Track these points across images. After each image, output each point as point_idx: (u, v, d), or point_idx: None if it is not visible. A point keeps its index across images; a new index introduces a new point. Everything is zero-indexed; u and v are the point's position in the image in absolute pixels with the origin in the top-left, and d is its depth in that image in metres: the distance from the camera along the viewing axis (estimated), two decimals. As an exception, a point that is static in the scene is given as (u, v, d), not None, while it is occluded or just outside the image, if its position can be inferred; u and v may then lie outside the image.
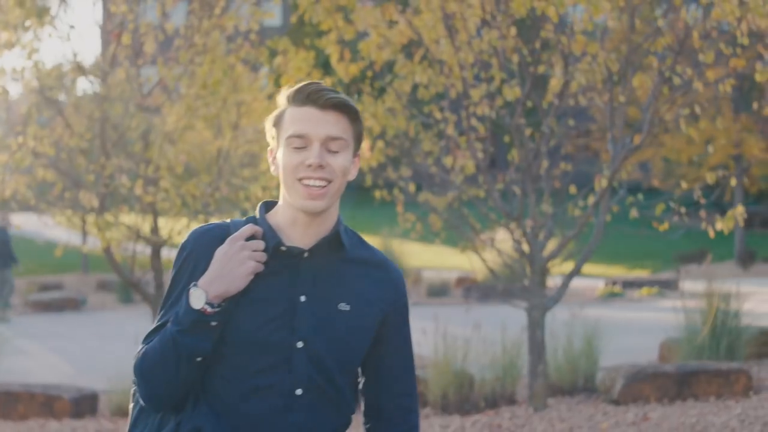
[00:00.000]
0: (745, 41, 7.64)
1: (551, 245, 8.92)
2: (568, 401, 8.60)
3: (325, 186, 2.34)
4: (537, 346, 8.12)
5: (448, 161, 8.16)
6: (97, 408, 8.58)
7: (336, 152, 2.36)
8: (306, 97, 2.36)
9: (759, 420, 7.48)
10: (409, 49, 8.61)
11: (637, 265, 23.36)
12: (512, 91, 7.86)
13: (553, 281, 20.27)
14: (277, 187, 7.32)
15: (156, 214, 7.15)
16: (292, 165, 2.35)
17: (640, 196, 8.25)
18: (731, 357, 9.20)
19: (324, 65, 16.15)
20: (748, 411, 7.77)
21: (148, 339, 2.40)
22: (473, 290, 18.89)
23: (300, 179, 2.34)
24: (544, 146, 7.90)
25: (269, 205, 2.49)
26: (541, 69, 7.73)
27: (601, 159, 15.54)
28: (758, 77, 7.89)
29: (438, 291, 19.45)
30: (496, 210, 8.23)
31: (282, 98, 2.41)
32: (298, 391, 2.37)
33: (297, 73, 7.98)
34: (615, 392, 8.37)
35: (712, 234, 8.24)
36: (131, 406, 2.50)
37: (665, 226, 8.27)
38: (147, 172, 6.62)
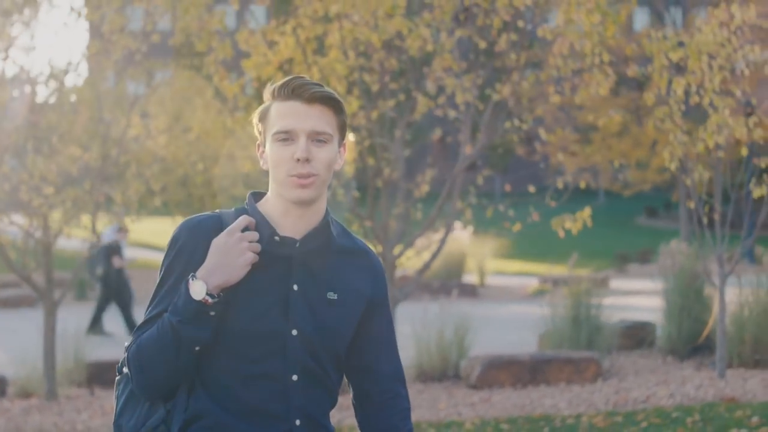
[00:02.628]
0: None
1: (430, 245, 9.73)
2: (436, 386, 9.45)
3: (311, 177, 2.41)
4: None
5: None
6: (6, 392, 9.45)
7: (322, 144, 2.43)
8: (291, 91, 2.42)
9: (584, 402, 8.35)
10: (289, 65, 9.44)
11: (583, 264, 24.19)
12: (384, 104, 8.73)
13: (493, 279, 21.12)
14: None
15: (45, 215, 8.03)
16: (282, 159, 2.41)
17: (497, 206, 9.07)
18: (591, 347, 10.05)
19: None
20: (581, 395, 8.63)
21: (140, 330, 2.45)
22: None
23: (289, 174, 2.41)
24: (400, 153, 8.74)
25: (257, 196, 2.55)
26: (394, 86, 8.56)
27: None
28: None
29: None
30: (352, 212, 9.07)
31: (267, 93, 2.48)
32: (294, 377, 2.44)
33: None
34: (473, 378, 9.22)
35: (561, 234, 9.11)
36: (116, 394, 2.55)
37: (518, 226, 9.12)
38: (33, 180, 7.51)
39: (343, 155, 2.54)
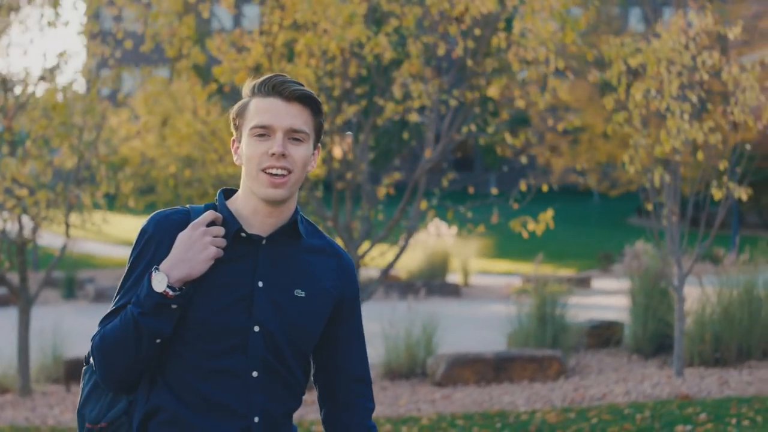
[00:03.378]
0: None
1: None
2: (402, 384, 9.68)
3: (286, 175, 2.42)
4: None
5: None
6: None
7: (298, 143, 2.44)
8: (272, 88, 2.43)
9: (542, 399, 8.58)
10: (259, 70, 9.67)
11: (569, 264, 24.42)
12: (350, 109, 8.97)
13: (477, 279, 21.33)
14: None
15: (19, 216, 8.29)
16: (256, 154, 2.42)
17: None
18: (556, 346, 10.28)
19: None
20: (541, 392, 8.87)
21: (105, 321, 2.46)
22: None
23: (263, 169, 2.41)
24: (363, 157, 8.97)
25: (228, 193, 2.55)
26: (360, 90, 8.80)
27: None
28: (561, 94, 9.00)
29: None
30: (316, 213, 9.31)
31: (246, 89, 2.49)
32: (254, 374, 2.44)
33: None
34: (438, 375, 9.45)
35: (525, 235, 9.33)
36: (82, 384, 2.57)
37: (481, 228, 9.36)
38: (5, 182, 7.76)
39: (317, 158, 2.55)
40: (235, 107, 2.50)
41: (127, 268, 2.50)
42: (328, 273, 2.56)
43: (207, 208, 2.51)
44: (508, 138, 9.56)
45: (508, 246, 25.11)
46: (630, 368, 10.00)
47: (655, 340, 10.53)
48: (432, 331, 10.08)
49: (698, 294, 10.09)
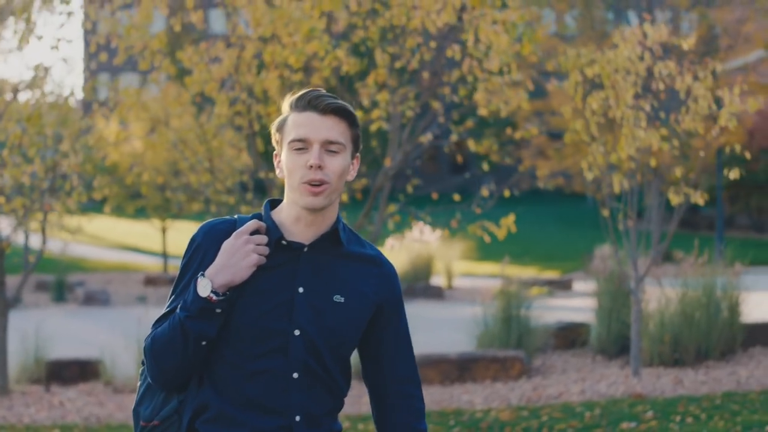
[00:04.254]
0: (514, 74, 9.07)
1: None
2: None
3: (323, 185, 2.52)
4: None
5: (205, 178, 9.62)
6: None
7: (334, 154, 2.54)
8: (307, 103, 2.55)
9: (500, 398, 8.89)
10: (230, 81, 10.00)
11: (555, 267, 24.74)
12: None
13: (461, 281, 21.62)
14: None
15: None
16: (296, 167, 2.53)
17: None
18: (520, 346, 10.59)
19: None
20: (501, 391, 9.18)
21: (157, 324, 2.61)
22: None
23: (302, 181, 2.52)
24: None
25: (274, 203, 2.66)
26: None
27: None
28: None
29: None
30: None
31: (285, 105, 2.60)
32: (295, 375, 2.56)
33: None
34: (403, 376, 9.76)
35: (487, 239, 9.64)
36: (139, 384, 2.71)
37: (446, 232, 9.66)
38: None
39: (356, 167, 2.65)
40: (275, 122, 2.62)
41: (178, 274, 2.64)
42: (368, 279, 2.65)
43: (254, 217, 2.62)
44: (472, 145, 9.88)
45: (494, 249, 25.45)
46: (592, 368, 10.31)
47: (619, 341, 10.84)
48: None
49: (659, 295, 10.40)
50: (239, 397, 2.55)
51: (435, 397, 9.03)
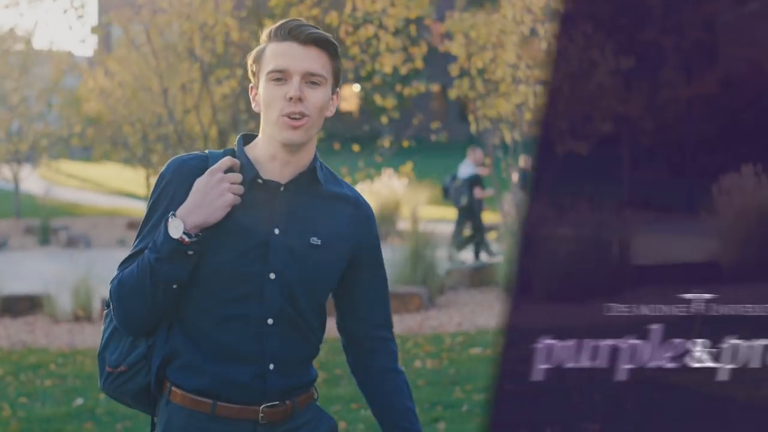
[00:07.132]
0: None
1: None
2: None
3: (303, 119, 2.38)
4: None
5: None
6: None
7: (315, 86, 2.40)
8: (288, 32, 2.39)
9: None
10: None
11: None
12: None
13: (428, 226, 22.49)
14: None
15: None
16: (274, 99, 2.38)
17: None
18: (424, 283, 11.55)
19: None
20: (397, 323, 10.15)
21: (124, 265, 2.46)
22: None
23: (282, 114, 2.38)
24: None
25: (247, 138, 2.51)
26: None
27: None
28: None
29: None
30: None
31: (264, 35, 2.45)
32: (270, 321, 2.43)
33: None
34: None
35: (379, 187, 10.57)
36: (103, 327, 2.57)
37: (348, 179, 10.63)
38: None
39: (336, 103, 2.51)
40: (252, 53, 2.47)
41: (145, 213, 2.49)
42: (346, 220, 2.52)
43: (226, 153, 2.47)
44: (378, 100, 10.78)
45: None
46: (490, 305, 11.26)
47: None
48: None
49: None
50: (211, 344, 2.43)
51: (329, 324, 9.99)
